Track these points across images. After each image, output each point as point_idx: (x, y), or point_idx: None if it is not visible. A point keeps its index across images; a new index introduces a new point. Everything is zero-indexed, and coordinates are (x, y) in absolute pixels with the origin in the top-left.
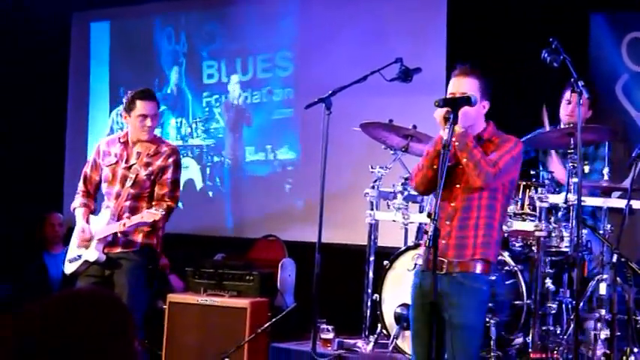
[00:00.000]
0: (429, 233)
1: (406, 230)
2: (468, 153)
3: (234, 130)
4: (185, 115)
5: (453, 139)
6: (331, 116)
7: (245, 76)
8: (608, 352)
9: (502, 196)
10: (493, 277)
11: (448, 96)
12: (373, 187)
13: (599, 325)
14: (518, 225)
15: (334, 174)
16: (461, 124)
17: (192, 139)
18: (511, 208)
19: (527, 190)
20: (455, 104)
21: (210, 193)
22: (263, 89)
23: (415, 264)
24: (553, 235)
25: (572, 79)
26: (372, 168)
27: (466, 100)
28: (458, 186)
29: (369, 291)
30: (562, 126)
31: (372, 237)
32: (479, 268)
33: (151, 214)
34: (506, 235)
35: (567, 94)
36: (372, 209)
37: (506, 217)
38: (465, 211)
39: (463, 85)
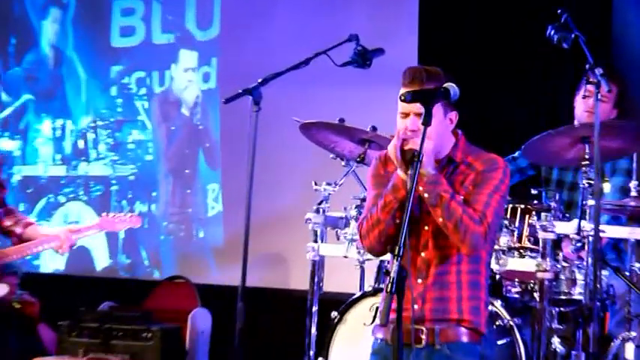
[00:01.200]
0: (391, 275)
1: (362, 270)
2: (444, 209)
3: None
4: (67, 114)
5: (420, 188)
6: (261, 114)
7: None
8: None
9: (487, 240)
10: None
11: (404, 108)
12: (318, 211)
13: None
14: (514, 263)
15: (265, 193)
16: (428, 158)
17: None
18: (504, 241)
19: (527, 216)
20: (428, 99)
21: None
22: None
23: (374, 334)
24: (562, 277)
25: (587, 67)
26: (315, 185)
27: (443, 94)
28: (427, 228)
29: (312, 353)
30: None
31: (316, 279)
32: (468, 337)
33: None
34: (497, 276)
35: (583, 89)
36: (315, 241)
37: (489, 266)
38: (442, 263)
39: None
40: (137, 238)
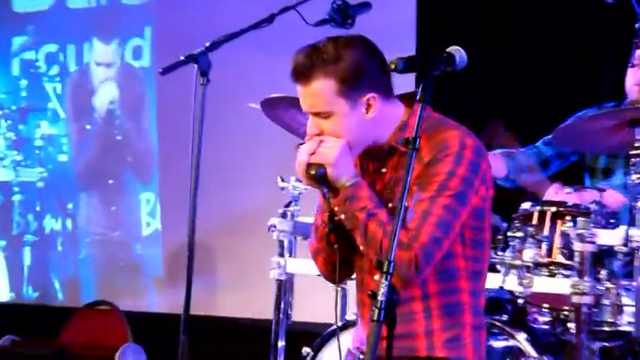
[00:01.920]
0: (379, 298)
1: (343, 293)
2: (361, 234)
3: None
4: None
5: (335, 208)
6: (210, 90)
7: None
8: None
9: (463, 246)
10: None
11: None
12: (284, 216)
13: None
14: (542, 284)
15: (215, 195)
16: (334, 169)
17: None
18: (529, 255)
19: (559, 222)
20: (426, 68)
21: None
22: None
23: None
24: (605, 302)
25: (637, 26)
26: (282, 181)
27: (447, 61)
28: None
29: None
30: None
31: (282, 305)
32: None
33: None
34: (520, 301)
35: (634, 56)
36: (281, 255)
37: (483, 275)
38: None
39: (309, 97)
40: (48, 263)
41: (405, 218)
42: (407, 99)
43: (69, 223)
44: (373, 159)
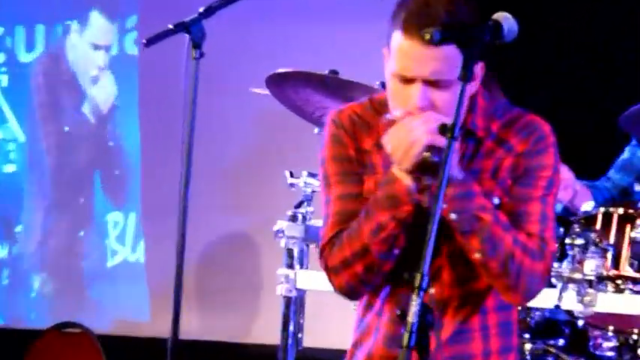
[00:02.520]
0: (410, 319)
1: None
2: (485, 240)
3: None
4: None
5: (444, 205)
6: (204, 65)
7: None
8: None
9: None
10: None
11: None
12: (294, 219)
13: None
14: (607, 302)
15: (209, 192)
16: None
17: None
18: (591, 266)
19: (629, 228)
20: (469, 39)
21: None
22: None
23: None
24: None
25: None
26: (291, 176)
27: (493, 31)
28: (439, 250)
29: None
30: None
31: (291, 327)
32: None
33: None
34: (581, 322)
35: None
36: (290, 266)
37: None
38: (462, 303)
39: (433, 60)
40: None
41: (509, 218)
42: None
43: (15, 249)
44: None
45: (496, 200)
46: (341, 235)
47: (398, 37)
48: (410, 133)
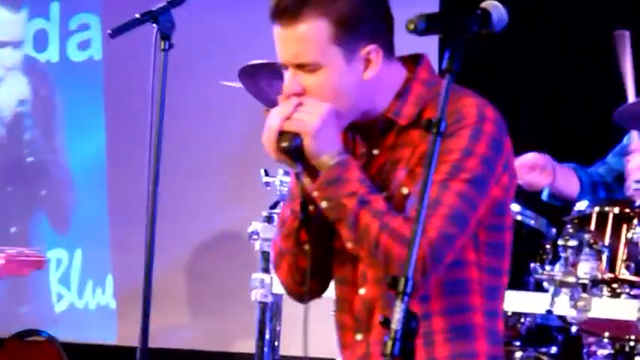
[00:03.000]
0: (393, 326)
1: None
2: (350, 226)
3: None
4: None
5: (315, 193)
6: (173, 57)
7: None
8: None
9: (477, 252)
10: None
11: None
12: (269, 220)
13: None
14: (602, 307)
15: (178, 193)
16: (315, 140)
17: None
18: (585, 269)
19: (625, 228)
20: (455, 28)
21: None
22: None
23: None
24: None
25: None
26: (266, 175)
27: (481, 20)
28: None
29: None
30: None
31: (267, 334)
32: None
33: None
34: (574, 329)
35: None
36: (266, 270)
37: (502, 292)
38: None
39: (293, 43)
40: None
41: (402, 207)
42: (409, 61)
43: None
44: (362, 136)
45: (404, 190)
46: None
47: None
48: (268, 121)
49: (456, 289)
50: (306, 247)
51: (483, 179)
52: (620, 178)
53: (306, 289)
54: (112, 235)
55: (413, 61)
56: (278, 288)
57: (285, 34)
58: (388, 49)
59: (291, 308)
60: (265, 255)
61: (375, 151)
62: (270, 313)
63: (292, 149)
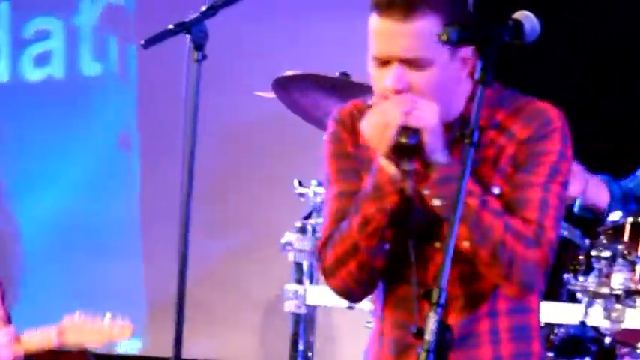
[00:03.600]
0: (427, 337)
1: None
2: (472, 227)
3: None
4: None
5: (425, 191)
6: (207, 68)
7: None
8: None
9: (547, 269)
10: None
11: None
12: (303, 231)
13: None
14: (636, 317)
15: (212, 202)
16: (434, 137)
17: None
18: (618, 280)
19: None
20: (488, 39)
21: None
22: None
23: None
24: None
25: None
26: (300, 186)
27: (513, 30)
28: (439, 246)
29: None
30: None
31: (301, 346)
32: None
33: None
34: (608, 340)
35: None
36: (299, 281)
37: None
38: (468, 304)
39: (405, 37)
40: None
41: (505, 207)
42: None
43: None
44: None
45: (496, 190)
46: (335, 234)
47: (372, 19)
48: (383, 115)
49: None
50: (387, 246)
51: (568, 180)
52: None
53: (374, 289)
54: (145, 246)
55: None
56: (312, 299)
57: (396, 28)
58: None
59: (325, 320)
60: (299, 266)
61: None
62: (303, 324)
63: (412, 145)
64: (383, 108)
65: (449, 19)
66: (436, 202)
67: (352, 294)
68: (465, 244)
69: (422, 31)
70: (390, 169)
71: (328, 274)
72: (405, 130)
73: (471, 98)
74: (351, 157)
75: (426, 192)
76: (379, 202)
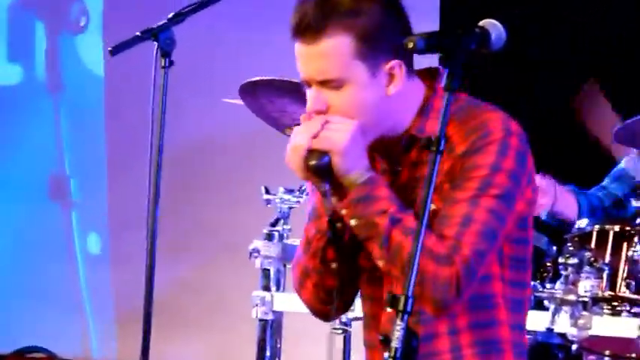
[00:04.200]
0: (393, 344)
1: (347, 338)
2: (382, 245)
3: None
4: None
5: (343, 211)
6: (175, 76)
7: None
8: None
9: (501, 266)
10: None
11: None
12: (270, 237)
13: None
14: (603, 325)
15: (178, 208)
16: (343, 157)
17: None
18: (585, 287)
19: (625, 246)
20: (453, 48)
21: None
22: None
23: None
24: None
25: None
26: (266, 192)
27: (479, 38)
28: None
29: None
30: None
31: (268, 352)
32: None
33: None
34: (575, 347)
35: None
36: (266, 288)
37: (526, 305)
38: (425, 321)
39: (316, 59)
40: None
41: (432, 224)
42: (426, 76)
43: None
44: (384, 153)
45: (432, 206)
46: (297, 254)
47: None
48: (294, 138)
49: (481, 304)
50: (333, 265)
51: (511, 194)
52: (619, 203)
53: (333, 308)
54: (112, 251)
55: (430, 76)
56: (279, 305)
57: (308, 51)
58: (409, 64)
59: (292, 326)
60: (266, 272)
61: (399, 168)
62: (270, 330)
63: (321, 167)
64: (295, 131)
65: (361, 37)
66: (352, 222)
67: (319, 312)
68: (380, 263)
69: (332, 51)
70: (321, 189)
71: (298, 294)
72: (313, 152)
73: (421, 110)
74: None
75: (343, 212)
76: (316, 222)
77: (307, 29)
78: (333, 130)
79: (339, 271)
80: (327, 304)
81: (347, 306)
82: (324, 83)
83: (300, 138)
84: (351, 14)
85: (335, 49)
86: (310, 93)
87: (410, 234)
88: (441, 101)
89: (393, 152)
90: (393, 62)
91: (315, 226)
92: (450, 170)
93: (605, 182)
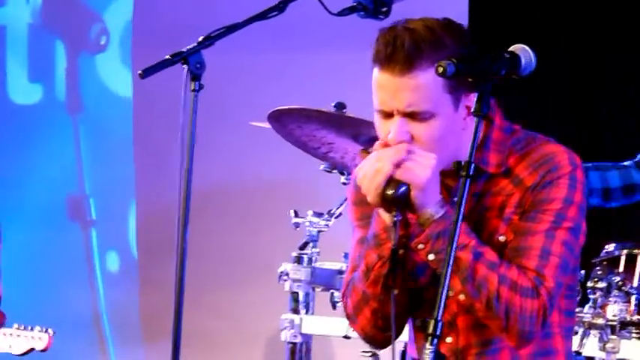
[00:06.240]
0: None
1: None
2: (465, 280)
3: None
4: None
5: (421, 245)
6: (204, 100)
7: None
8: None
9: (559, 298)
10: None
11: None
12: (299, 261)
13: None
14: (631, 349)
15: (207, 232)
16: (422, 192)
17: None
18: (613, 311)
19: None
20: (485, 74)
21: None
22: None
23: None
24: None
25: None
26: (296, 216)
27: (510, 63)
28: (452, 294)
29: None
30: None
31: None
32: None
33: None
34: None
35: None
36: (295, 311)
37: (572, 334)
38: (484, 351)
39: (407, 91)
40: None
41: (504, 255)
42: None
43: None
44: (445, 185)
45: (501, 238)
46: (352, 281)
47: (374, 72)
48: (374, 164)
49: (542, 334)
50: (395, 292)
51: (580, 226)
52: (631, 189)
53: (393, 335)
54: (142, 276)
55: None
56: (307, 328)
57: (397, 82)
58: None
59: (320, 349)
60: (295, 296)
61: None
62: (299, 353)
63: (400, 197)
64: (376, 156)
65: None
66: (430, 257)
67: (374, 339)
68: (461, 297)
69: (423, 84)
70: (385, 217)
71: (350, 322)
72: (392, 181)
73: (481, 145)
74: (368, 203)
75: (420, 246)
76: (378, 249)
77: (399, 60)
78: (416, 163)
79: (400, 298)
80: (382, 331)
81: (399, 333)
82: (411, 115)
83: (382, 164)
84: (439, 46)
85: (428, 83)
86: (392, 123)
87: (494, 268)
88: (498, 132)
89: (451, 184)
90: (472, 95)
91: (376, 253)
92: (519, 202)
93: (628, 162)
